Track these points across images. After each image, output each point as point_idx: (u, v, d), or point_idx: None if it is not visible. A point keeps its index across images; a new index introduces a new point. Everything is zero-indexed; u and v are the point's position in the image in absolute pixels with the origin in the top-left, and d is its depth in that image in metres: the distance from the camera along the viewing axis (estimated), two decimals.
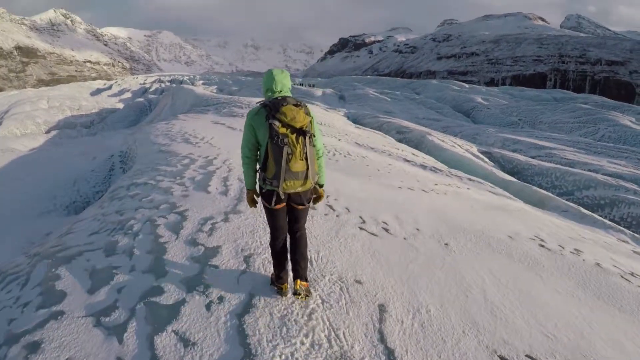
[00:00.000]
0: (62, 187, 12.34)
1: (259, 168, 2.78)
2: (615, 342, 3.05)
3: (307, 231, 3.13)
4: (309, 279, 3.24)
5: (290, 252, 3.04)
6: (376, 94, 49.18)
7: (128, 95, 70.52)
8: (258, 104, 2.77)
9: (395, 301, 3.11)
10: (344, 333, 2.68)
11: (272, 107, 2.62)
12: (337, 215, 4.89)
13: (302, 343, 2.56)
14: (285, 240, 3.02)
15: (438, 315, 2.99)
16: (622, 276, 4.39)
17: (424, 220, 5.17)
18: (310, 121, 2.72)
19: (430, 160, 13.01)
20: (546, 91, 59.64)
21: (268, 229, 3.06)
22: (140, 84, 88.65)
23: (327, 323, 2.76)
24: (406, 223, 4.95)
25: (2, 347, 2.67)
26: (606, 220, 9.10)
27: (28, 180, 13.14)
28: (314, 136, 2.75)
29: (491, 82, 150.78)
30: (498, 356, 2.65)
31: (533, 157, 18.07)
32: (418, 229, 4.79)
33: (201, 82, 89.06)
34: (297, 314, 2.84)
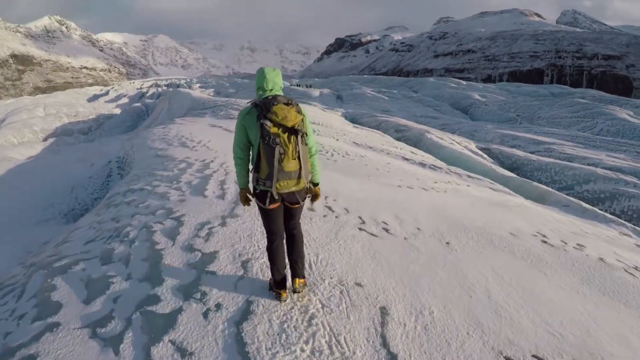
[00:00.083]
0: (59, 194, 12.29)
1: (252, 169, 2.74)
2: (622, 338, 2.98)
3: (306, 234, 3.10)
4: (308, 283, 3.20)
5: (287, 251, 3.02)
6: (373, 93, 49.14)
7: (125, 100, 70.30)
8: (249, 104, 2.73)
9: (397, 303, 3.04)
10: (345, 338, 2.61)
11: (263, 107, 2.58)
12: (336, 217, 4.82)
13: (303, 350, 2.50)
14: (282, 243, 2.97)
15: (441, 317, 2.92)
16: (626, 270, 4.33)
17: (425, 219, 5.10)
18: (302, 119, 2.69)
19: (429, 158, 12.95)
20: (543, 87, 59.65)
21: (265, 233, 3.01)
22: (137, 88, 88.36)
23: (328, 328, 2.70)
24: (406, 222, 4.88)
25: None
26: (607, 214, 9.04)
27: (25, 189, 13.09)
28: (306, 135, 2.72)
29: (488, 79, 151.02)
30: (504, 357, 2.58)
31: (532, 153, 18.01)
32: (418, 228, 4.71)
33: (198, 85, 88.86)
34: (297, 319, 2.77)
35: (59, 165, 16.47)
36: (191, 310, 2.93)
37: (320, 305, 2.95)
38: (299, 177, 2.65)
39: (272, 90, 2.76)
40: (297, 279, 3.03)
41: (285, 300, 2.97)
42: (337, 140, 13.07)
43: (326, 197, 5.52)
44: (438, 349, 2.59)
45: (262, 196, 2.71)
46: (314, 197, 3.04)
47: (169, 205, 5.28)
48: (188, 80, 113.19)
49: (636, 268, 4.55)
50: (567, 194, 12.41)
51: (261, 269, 3.43)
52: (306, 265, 3.46)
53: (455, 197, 7.06)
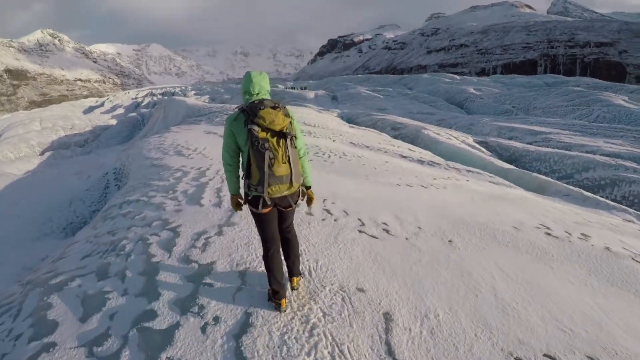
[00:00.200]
0: (57, 208, 12.21)
1: (243, 175, 2.69)
2: (635, 331, 2.89)
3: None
4: (308, 291, 3.13)
5: (283, 255, 2.99)
6: (368, 92, 49.09)
7: (121, 110, 70.31)
8: (236, 109, 2.66)
9: (401, 308, 2.94)
10: (348, 348, 2.52)
11: (250, 112, 2.53)
12: (335, 220, 4.71)
13: None
14: (279, 251, 2.90)
15: (447, 320, 2.82)
16: (633, 258, 4.24)
17: (425, 218, 5.00)
18: (290, 122, 2.63)
19: (427, 155, 12.86)
20: (537, 77, 59.69)
21: (260, 240, 2.94)
22: (132, 98, 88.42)
23: (330, 338, 2.60)
24: (407, 222, 4.78)
25: None
26: (609, 201, 8.94)
27: (23, 204, 13.00)
28: (295, 137, 2.68)
29: (482, 72, 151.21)
30: (514, 358, 2.49)
31: (530, 143, 17.94)
32: (419, 227, 4.61)
33: (193, 92, 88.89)
34: (298, 330, 2.67)
35: (56, 179, 16.38)
36: (189, 325, 2.83)
37: (321, 314, 2.85)
38: (291, 180, 2.61)
39: (258, 94, 2.71)
40: (294, 278, 3.10)
41: (285, 310, 2.88)
42: (333, 141, 12.99)
43: (324, 200, 5.42)
44: (446, 354, 2.49)
45: (254, 202, 2.67)
46: (309, 200, 3.01)
47: (165, 216, 5.18)
48: (183, 88, 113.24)
49: None
50: (567, 183, 12.33)
51: (259, 279, 3.33)
52: (305, 273, 3.39)
53: (456, 193, 6.96)
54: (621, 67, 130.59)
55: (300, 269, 3.22)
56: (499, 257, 3.95)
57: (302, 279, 3.28)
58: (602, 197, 11.21)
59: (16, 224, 11.08)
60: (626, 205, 10.44)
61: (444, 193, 6.90)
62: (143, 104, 73.31)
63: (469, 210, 5.58)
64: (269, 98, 2.73)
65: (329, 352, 2.47)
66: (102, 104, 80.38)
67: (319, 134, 14.44)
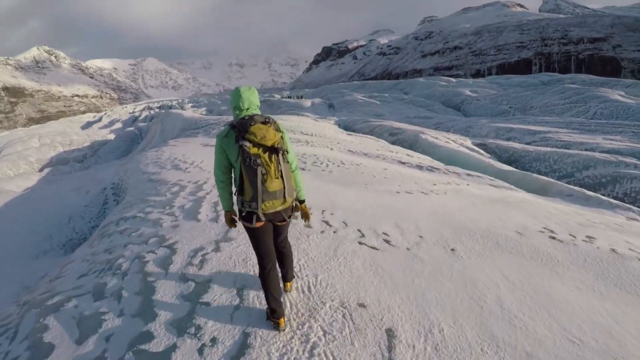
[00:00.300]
0: (56, 225, 12.14)
1: (235, 191, 2.66)
2: None
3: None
4: (308, 308, 3.06)
5: (278, 263, 2.98)
6: (365, 98, 49.23)
7: (119, 125, 70.50)
8: (227, 126, 2.62)
9: (404, 323, 2.84)
10: None
11: (241, 128, 2.50)
12: (334, 232, 4.62)
13: None
14: (275, 268, 2.84)
15: (452, 334, 2.72)
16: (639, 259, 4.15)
17: (426, 226, 4.91)
18: (282, 137, 2.61)
19: (426, 160, 12.79)
20: (533, 76, 59.90)
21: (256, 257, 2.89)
22: (130, 113, 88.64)
23: (331, 358, 2.50)
24: (408, 231, 4.69)
25: None
26: (612, 200, 8.85)
27: (22, 222, 12.93)
28: (287, 152, 2.66)
29: (477, 74, 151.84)
30: None
31: (528, 143, 17.88)
32: (421, 236, 4.52)
33: (190, 105, 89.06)
34: (297, 350, 2.58)
35: (55, 196, 16.31)
36: (185, 346, 2.75)
37: (321, 333, 2.75)
38: (284, 195, 2.59)
39: (248, 109, 2.69)
40: (287, 283, 3.24)
41: (284, 330, 2.79)
42: (331, 149, 12.93)
43: (323, 211, 5.34)
44: None
45: (248, 217, 2.63)
46: (304, 216, 2.98)
47: (161, 233, 5.10)
48: (180, 100, 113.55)
49: None
50: (568, 182, 12.26)
51: (257, 297, 3.24)
52: (305, 289, 3.31)
53: (456, 199, 6.87)
54: (616, 61, 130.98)
55: (293, 273, 3.35)
56: (504, 264, 3.85)
57: (302, 295, 3.23)
58: (604, 195, 11.13)
59: (15, 242, 11.02)
60: (628, 203, 10.36)
61: (445, 199, 6.81)
62: (140, 118, 73.55)
63: (471, 216, 5.49)
64: (259, 113, 2.72)
65: None
66: (100, 119, 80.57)
67: (317, 142, 14.39)
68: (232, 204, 2.83)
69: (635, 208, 8.29)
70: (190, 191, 7.28)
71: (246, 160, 2.46)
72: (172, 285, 3.59)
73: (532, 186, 10.21)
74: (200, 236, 4.73)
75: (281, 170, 2.54)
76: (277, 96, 70.48)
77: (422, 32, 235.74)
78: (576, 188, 9.64)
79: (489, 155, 15.77)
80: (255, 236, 2.73)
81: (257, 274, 3.51)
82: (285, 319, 2.86)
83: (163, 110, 65.09)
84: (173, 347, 2.75)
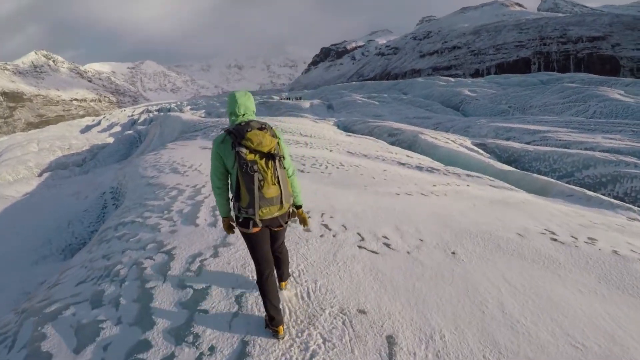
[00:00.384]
0: (56, 230, 12.14)
1: (232, 197, 2.65)
2: None
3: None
4: (307, 315, 3.02)
5: (275, 266, 2.97)
6: (363, 99, 49.21)
7: (117, 128, 70.34)
8: (222, 132, 2.61)
9: (405, 330, 2.80)
10: None
11: (237, 134, 2.49)
12: (333, 235, 4.58)
13: None
14: (273, 274, 2.81)
15: (454, 341, 2.68)
16: None
17: (426, 228, 4.87)
18: (278, 143, 2.61)
19: (425, 160, 12.76)
20: (532, 75, 59.90)
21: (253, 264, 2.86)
22: (129, 116, 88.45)
23: None
24: (408, 234, 4.65)
25: None
26: (613, 200, 8.82)
27: (22, 227, 12.92)
28: (284, 158, 2.64)
29: (476, 73, 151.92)
30: None
31: (528, 143, 17.85)
32: (421, 240, 4.48)
33: (189, 107, 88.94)
34: (297, 359, 2.53)
35: (55, 200, 16.31)
36: (183, 355, 2.71)
37: (321, 340, 2.71)
38: (281, 201, 2.58)
39: (244, 114, 2.68)
40: (282, 283, 3.29)
41: (283, 337, 2.75)
42: (330, 151, 12.90)
43: (322, 214, 5.31)
44: None
45: (245, 223, 2.61)
46: (302, 222, 2.96)
47: (159, 238, 5.07)
48: (178, 103, 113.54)
49: None
50: (568, 182, 12.22)
51: (256, 303, 3.20)
52: (304, 295, 3.27)
53: (457, 200, 6.84)
54: (615, 60, 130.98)
55: (289, 272, 3.42)
56: (505, 267, 3.81)
57: (301, 302, 3.20)
58: (604, 194, 11.10)
59: (15, 247, 11.02)
60: (629, 202, 10.33)
61: (445, 200, 6.77)
62: (139, 121, 73.42)
63: (471, 218, 5.46)
64: (255, 119, 2.71)
65: None
66: (99, 123, 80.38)
67: (316, 144, 14.36)
68: (230, 209, 2.81)
69: (636, 208, 8.26)
70: (189, 195, 7.24)
71: (243, 166, 2.45)
72: (170, 292, 3.56)
73: (532, 186, 10.18)
74: (198, 241, 4.69)
75: (278, 177, 2.54)
76: (276, 97, 70.50)
77: (420, 32, 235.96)
78: (577, 188, 9.61)
79: (489, 155, 15.74)
80: (252, 242, 2.71)
81: (255, 280, 3.49)
82: (284, 326, 2.82)
83: (162, 113, 65.08)
84: (171, 357, 2.71)
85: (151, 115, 79.75)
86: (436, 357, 2.54)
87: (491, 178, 10.25)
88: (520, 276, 3.63)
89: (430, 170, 10.49)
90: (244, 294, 3.36)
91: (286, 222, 2.77)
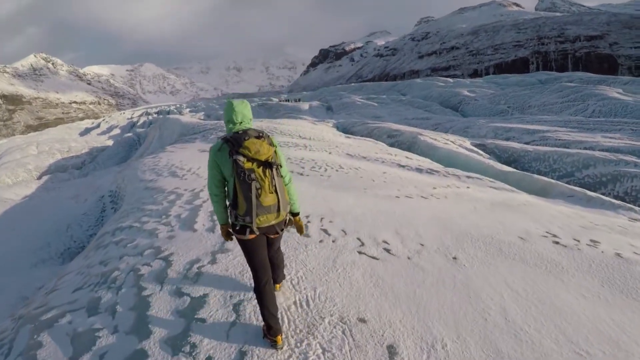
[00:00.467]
0: (55, 233, 12.09)
1: (229, 205, 2.64)
2: None
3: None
4: (306, 324, 2.96)
5: (271, 269, 2.95)
6: (363, 100, 49.21)
7: (117, 131, 70.32)
8: (220, 140, 2.59)
9: (406, 339, 2.74)
10: None
11: (235, 142, 2.48)
12: (333, 241, 4.51)
13: None
14: (271, 283, 2.77)
15: (456, 350, 2.62)
16: None
17: (427, 232, 4.81)
18: (275, 151, 2.60)
19: (425, 162, 12.70)
20: (530, 75, 59.98)
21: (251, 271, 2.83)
22: (128, 118, 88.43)
23: None
24: (408, 239, 4.59)
25: None
26: (614, 200, 8.77)
27: (21, 230, 12.87)
28: (281, 166, 2.63)
29: (475, 74, 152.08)
30: None
31: (527, 143, 17.81)
32: (422, 244, 4.42)
33: (188, 110, 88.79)
34: None
35: (54, 203, 16.29)
36: None
37: (320, 351, 2.65)
38: (278, 209, 2.57)
39: (241, 123, 2.67)
40: (277, 285, 3.36)
41: (281, 347, 2.69)
42: (329, 153, 12.84)
43: (322, 219, 5.24)
44: None
45: (242, 230, 2.60)
46: (299, 230, 2.96)
47: (157, 244, 5.01)
48: (178, 105, 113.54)
49: None
50: (568, 182, 12.18)
51: (254, 312, 3.14)
52: (303, 303, 3.21)
53: (457, 203, 6.78)
54: (612, 59, 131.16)
55: (284, 274, 3.52)
56: (507, 272, 3.75)
57: (300, 310, 3.15)
58: (605, 194, 11.06)
59: (13, 250, 10.98)
60: (629, 202, 10.29)
61: (445, 203, 6.71)
62: (139, 124, 73.41)
63: (472, 221, 5.40)
64: (252, 127, 2.69)
65: None
66: (98, 126, 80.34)
67: (315, 146, 14.30)
68: (228, 217, 2.79)
69: (637, 208, 8.21)
70: (187, 199, 7.19)
71: (240, 174, 2.45)
72: (167, 300, 3.50)
73: (532, 187, 10.12)
74: (196, 247, 4.63)
75: (275, 185, 2.53)
76: (275, 99, 70.49)
77: (418, 33, 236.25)
78: (577, 189, 9.55)
79: (489, 156, 15.69)
80: (248, 249, 2.69)
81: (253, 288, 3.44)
82: (283, 336, 2.77)
83: (161, 116, 65.02)
84: None
85: (150, 117, 79.74)
86: None
87: (491, 179, 10.19)
88: (523, 281, 3.58)
89: (430, 172, 10.43)
90: (242, 302, 3.30)
91: (282, 230, 2.76)
